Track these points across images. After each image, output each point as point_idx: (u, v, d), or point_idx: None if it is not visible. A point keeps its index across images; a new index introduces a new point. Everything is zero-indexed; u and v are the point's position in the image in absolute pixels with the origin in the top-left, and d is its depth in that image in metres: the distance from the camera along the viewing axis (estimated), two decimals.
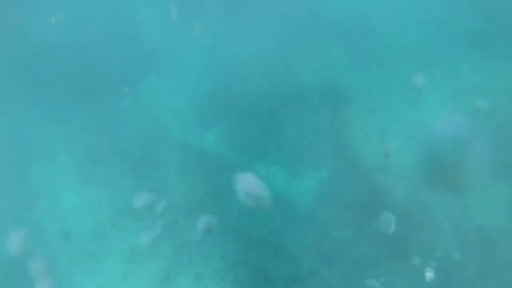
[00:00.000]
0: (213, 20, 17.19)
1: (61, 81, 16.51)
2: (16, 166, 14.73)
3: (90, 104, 15.71)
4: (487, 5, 15.82)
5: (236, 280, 12.07)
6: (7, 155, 14.98)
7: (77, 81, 16.38)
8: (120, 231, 13.34)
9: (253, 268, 12.19)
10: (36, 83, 16.43)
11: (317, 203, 12.93)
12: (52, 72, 16.72)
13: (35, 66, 16.93)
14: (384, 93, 14.37)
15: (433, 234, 11.76)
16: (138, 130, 15.25)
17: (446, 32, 15.52)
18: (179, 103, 15.73)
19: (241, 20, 16.99)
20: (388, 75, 14.86)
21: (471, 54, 14.96)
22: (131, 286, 12.56)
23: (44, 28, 17.78)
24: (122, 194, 13.93)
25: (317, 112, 14.32)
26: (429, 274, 11.35)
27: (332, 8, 16.71)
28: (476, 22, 15.58)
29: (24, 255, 13.20)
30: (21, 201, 14.10)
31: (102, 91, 16.22)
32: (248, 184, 13.49)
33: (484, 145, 12.92)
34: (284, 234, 12.57)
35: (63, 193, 14.27)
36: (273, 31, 16.51)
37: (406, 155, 13.07)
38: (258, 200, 13.21)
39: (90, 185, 14.32)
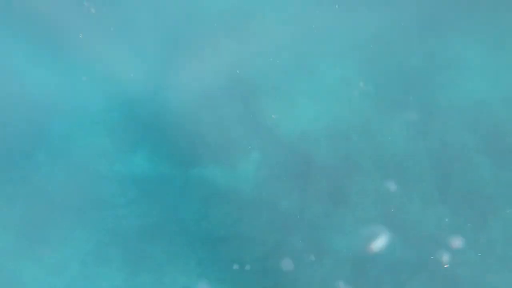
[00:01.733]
0: (90, 44, 17.07)
1: None
2: None
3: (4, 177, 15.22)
4: None
5: (218, 279, 13.30)
6: None
7: None
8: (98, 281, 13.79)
9: (227, 262, 13.45)
10: None
11: (259, 184, 14.33)
12: None
13: None
14: (281, 71, 15.83)
15: (362, 175, 13.83)
16: (65, 182, 15.22)
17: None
18: (94, 138, 15.85)
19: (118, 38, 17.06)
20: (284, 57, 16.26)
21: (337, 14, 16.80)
22: None
23: None
24: (84, 247, 14.17)
25: (230, 105, 15.44)
26: None
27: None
28: None
29: None
30: None
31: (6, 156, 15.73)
32: None
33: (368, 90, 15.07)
34: (242, 222, 13.90)
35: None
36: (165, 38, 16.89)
37: (319, 119, 14.83)
38: None
39: (42, 246, 14.33)
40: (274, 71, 15.74)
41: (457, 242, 12.84)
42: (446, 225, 13.08)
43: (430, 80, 15.01)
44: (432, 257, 12.79)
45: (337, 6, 16.19)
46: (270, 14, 17.05)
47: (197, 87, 15.84)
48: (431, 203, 13.32)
